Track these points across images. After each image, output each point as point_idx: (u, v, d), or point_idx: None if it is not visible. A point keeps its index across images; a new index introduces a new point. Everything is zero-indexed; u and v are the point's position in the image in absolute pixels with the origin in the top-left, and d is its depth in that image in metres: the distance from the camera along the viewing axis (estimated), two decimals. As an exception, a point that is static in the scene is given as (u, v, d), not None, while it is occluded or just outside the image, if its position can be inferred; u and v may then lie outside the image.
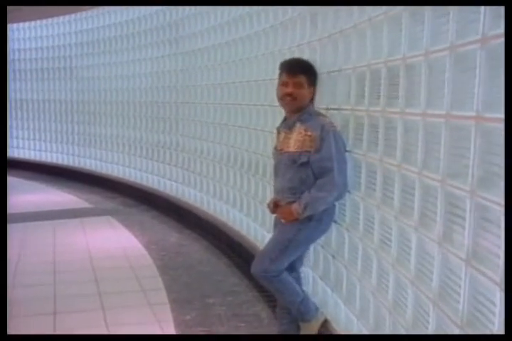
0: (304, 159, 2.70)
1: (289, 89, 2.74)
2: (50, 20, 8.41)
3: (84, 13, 7.81)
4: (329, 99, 2.93)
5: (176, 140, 6.17)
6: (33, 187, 7.90)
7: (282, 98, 2.80)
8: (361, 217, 2.52)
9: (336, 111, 2.83)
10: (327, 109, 2.95)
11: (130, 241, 5.14)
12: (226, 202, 5.00)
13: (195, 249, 4.92)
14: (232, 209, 4.89)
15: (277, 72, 2.92)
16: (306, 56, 3.19)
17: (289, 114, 2.85)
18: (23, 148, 9.39)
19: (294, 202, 2.76)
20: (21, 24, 8.78)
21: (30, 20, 8.61)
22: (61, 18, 8.21)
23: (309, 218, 2.74)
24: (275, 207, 2.96)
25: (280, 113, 3.06)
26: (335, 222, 2.88)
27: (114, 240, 5.16)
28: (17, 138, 9.41)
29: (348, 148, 2.69)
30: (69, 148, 8.61)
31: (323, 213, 2.75)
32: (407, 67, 2.03)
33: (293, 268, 3.00)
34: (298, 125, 2.76)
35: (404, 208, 2.07)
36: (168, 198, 6.31)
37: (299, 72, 2.75)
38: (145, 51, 6.67)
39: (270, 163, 3.29)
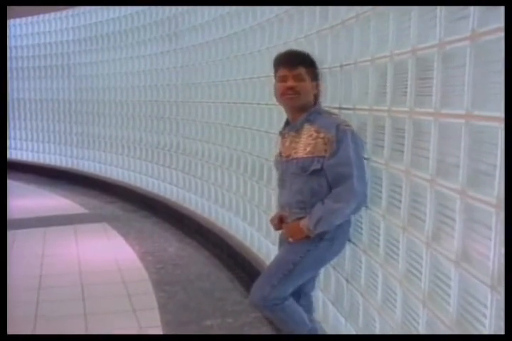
0: (316, 165, 2.27)
1: (290, 83, 2.34)
2: (46, 15, 8.04)
3: (81, 8, 7.43)
4: (343, 97, 2.51)
5: (177, 141, 5.78)
6: (27, 190, 7.52)
7: (283, 94, 2.38)
8: (382, 238, 2.10)
9: (350, 112, 2.41)
10: (340, 108, 2.53)
11: (125, 251, 4.74)
12: (228, 209, 4.61)
13: (194, 261, 4.52)
14: (234, 218, 4.49)
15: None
16: (315, 48, 2.78)
17: (293, 115, 2.43)
18: (20, 149, 9.01)
19: (303, 218, 2.34)
20: (17, 20, 8.40)
21: (23, 16, 8.23)
22: (58, 14, 7.83)
23: (320, 237, 2.32)
24: (280, 222, 2.55)
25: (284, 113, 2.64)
26: (349, 240, 2.47)
27: (108, 251, 4.77)
28: (13, 138, 9.03)
29: (365, 155, 2.27)
30: (66, 149, 8.23)
31: (336, 231, 2.33)
32: (445, 56, 1.60)
33: (303, 292, 2.59)
34: (307, 126, 2.35)
35: (440, 234, 1.65)
36: (168, 203, 5.93)
37: (297, 64, 2.34)
38: (144, 47, 6.28)
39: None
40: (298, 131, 2.38)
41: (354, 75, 2.36)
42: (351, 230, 2.44)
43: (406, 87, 1.85)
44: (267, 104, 3.65)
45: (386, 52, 2.03)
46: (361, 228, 2.34)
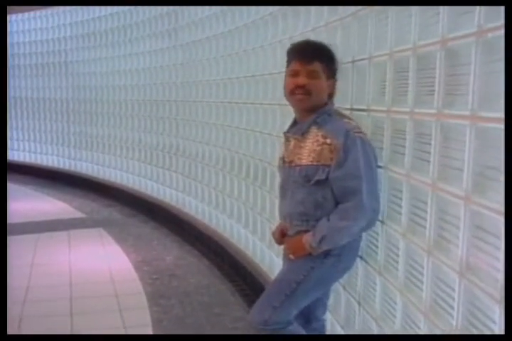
0: (321, 175, 2.00)
1: (301, 80, 2.04)
2: (43, 11, 7.76)
3: (79, 4, 7.16)
4: (355, 96, 2.22)
5: (176, 142, 5.50)
6: (22, 192, 7.21)
7: (292, 93, 2.09)
8: (401, 260, 1.81)
9: (364, 113, 2.12)
10: (351, 109, 2.25)
11: (120, 260, 4.46)
12: (229, 216, 4.33)
13: (193, 271, 4.24)
14: (236, 225, 4.22)
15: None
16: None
17: (301, 115, 2.15)
18: (16, 149, 8.73)
19: (305, 231, 2.07)
20: (13, 16, 8.13)
21: (18, 12, 7.96)
22: (54, 10, 7.56)
23: (325, 252, 2.04)
24: (282, 236, 2.27)
25: (292, 113, 2.36)
26: (360, 257, 2.19)
27: (102, 259, 4.49)
28: (9, 139, 8.73)
29: (381, 164, 1.98)
30: (64, 150, 7.95)
31: (343, 246, 2.05)
32: (485, 47, 1.32)
33: (314, 316, 2.31)
34: (314, 129, 2.06)
35: (477, 263, 1.36)
36: (168, 208, 5.65)
37: (313, 58, 2.04)
38: (142, 44, 6.01)
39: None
40: (303, 134, 2.10)
41: (369, 71, 2.07)
42: (363, 246, 2.16)
43: (432, 85, 1.56)
44: (270, 104, 3.38)
45: (408, 44, 1.74)
46: (376, 246, 2.05)
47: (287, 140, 2.22)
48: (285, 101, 2.19)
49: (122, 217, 6.04)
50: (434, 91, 1.55)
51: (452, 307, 1.46)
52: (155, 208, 5.88)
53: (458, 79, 1.44)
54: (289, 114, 2.28)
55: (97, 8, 6.79)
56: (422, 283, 1.65)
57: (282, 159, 2.24)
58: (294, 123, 2.21)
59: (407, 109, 1.75)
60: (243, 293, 3.79)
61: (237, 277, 4.04)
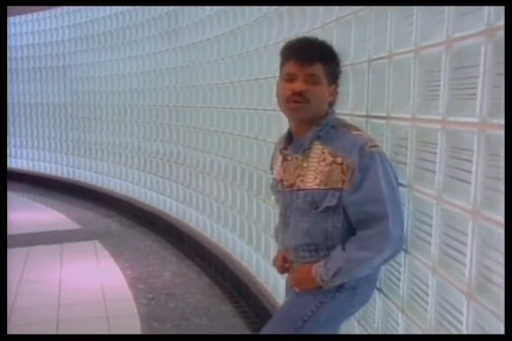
0: (331, 201, 1.67)
1: (299, 85, 1.69)
2: (41, 14, 7.52)
3: (76, 6, 6.91)
4: (371, 101, 1.91)
5: (176, 150, 5.21)
6: (16, 201, 6.90)
7: (287, 100, 1.73)
8: (431, 300, 1.49)
9: (382, 121, 1.81)
10: (367, 116, 1.94)
11: (114, 277, 4.16)
12: (232, 230, 4.03)
13: (192, 290, 3.93)
14: (238, 240, 3.92)
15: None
16: (334, 40, 2.19)
17: (298, 128, 1.79)
18: (14, 156, 8.48)
19: (314, 261, 1.76)
20: (10, 19, 7.87)
21: (15, 15, 7.71)
22: (52, 12, 7.31)
23: (339, 285, 1.73)
24: (285, 262, 1.96)
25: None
26: (378, 289, 1.87)
27: (95, 276, 4.18)
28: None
29: (403, 182, 1.67)
30: (62, 157, 7.67)
31: (360, 277, 1.74)
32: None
33: None
34: (317, 146, 1.72)
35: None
36: (168, 219, 5.36)
37: (314, 60, 1.69)
38: (141, 46, 5.74)
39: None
40: (305, 151, 1.75)
41: (388, 72, 1.76)
42: (382, 276, 1.85)
43: (474, 87, 1.25)
44: (275, 110, 3.07)
45: (439, 37, 1.43)
46: (398, 278, 1.73)
47: (285, 159, 1.86)
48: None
49: (120, 228, 5.76)
50: (475, 94, 1.24)
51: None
52: (154, 219, 5.59)
53: (509, 80, 1.13)
54: (287, 121, 1.96)
55: (94, 9, 6.54)
56: (459, 331, 1.34)
57: (280, 181, 1.87)
58: (289, 136, 1.85)
59: (438, 117, 1.43)
60: (245, 314, 3.50)
61: (239, 297, 3.75)
